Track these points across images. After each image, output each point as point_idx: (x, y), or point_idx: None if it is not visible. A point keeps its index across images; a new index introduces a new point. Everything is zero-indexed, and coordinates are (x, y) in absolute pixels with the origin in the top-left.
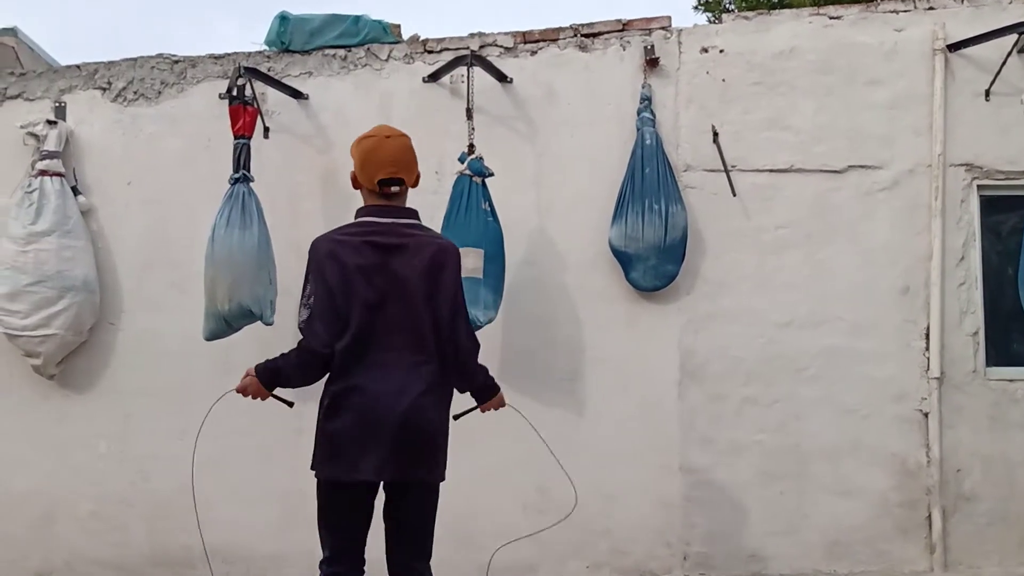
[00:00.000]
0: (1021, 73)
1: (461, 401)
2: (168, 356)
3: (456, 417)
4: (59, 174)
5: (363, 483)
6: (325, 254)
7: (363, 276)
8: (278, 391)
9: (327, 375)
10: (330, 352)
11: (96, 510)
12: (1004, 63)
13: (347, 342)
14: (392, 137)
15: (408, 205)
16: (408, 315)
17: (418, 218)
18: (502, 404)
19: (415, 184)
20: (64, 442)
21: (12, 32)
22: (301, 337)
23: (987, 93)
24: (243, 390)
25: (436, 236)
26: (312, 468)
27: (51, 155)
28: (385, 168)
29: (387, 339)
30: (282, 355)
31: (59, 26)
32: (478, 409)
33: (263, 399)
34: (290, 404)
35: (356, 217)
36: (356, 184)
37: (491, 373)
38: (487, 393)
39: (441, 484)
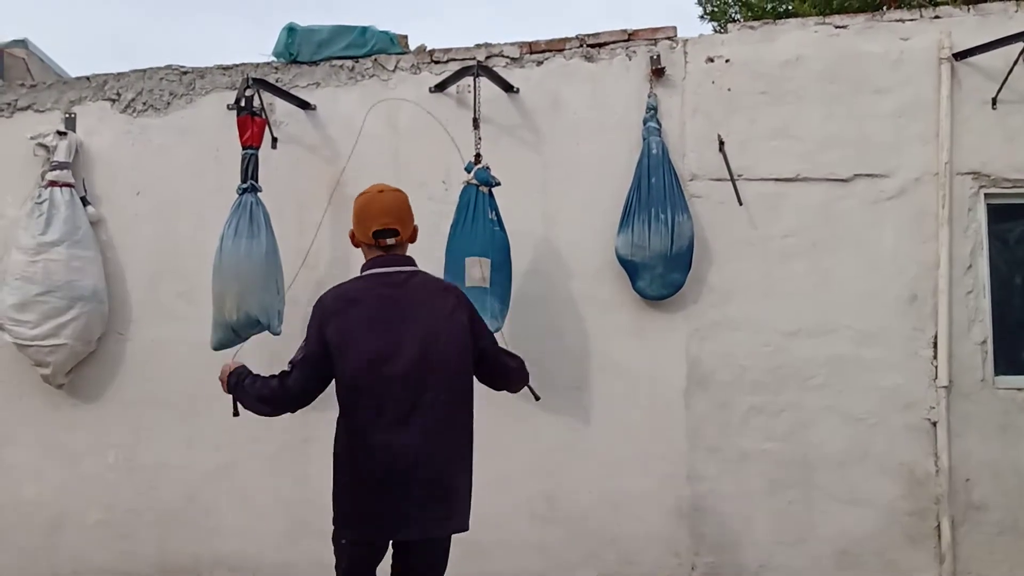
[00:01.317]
0: None
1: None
2: (176, 366)
3: (537, 398)
4: (69, 185)
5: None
6: (331, 312)
7: (374, 330)
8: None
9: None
10: (301, 401)
11: (104, 519)
12: (1011, 71)
13: (353, 397)
14: (385, 192)
15: (411, 249)
16: (431, 362)
17: (416, 265)
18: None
19: (413, 238)
20: (73, 451)
21: (23, 44)
22: (279, 375)
23: (994, 101)
24: (222, 375)
25: (437, 280)
26: (337, 527)
27: (61, 166)
28: (379, 220)
29: (403, 392)
30: (253, 380)
31: (68, 37)
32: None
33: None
34: (236, 413)
35: (361, 272)
36: (355, 242)
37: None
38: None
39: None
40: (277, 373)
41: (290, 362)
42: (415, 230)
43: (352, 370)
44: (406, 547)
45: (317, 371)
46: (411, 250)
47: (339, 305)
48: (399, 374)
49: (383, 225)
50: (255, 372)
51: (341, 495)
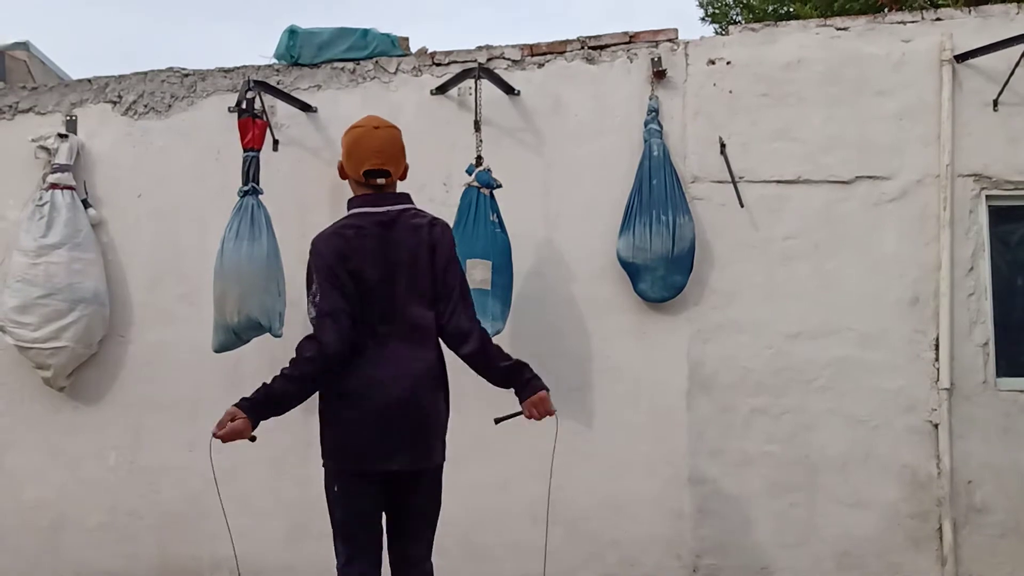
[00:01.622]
0: None
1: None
2: (178, 368)
3: (497, 421)
4: (70, 187)
5: (383, 473)
6: (328, 249)
7: (365, 265)
8: None
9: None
10: (342, 349)
11: (106, 521)
12: (1012, 73)
13: (353, 332)
14: (380, 128)
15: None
16: (408, 300)
17: (411, 200)
18: (548, 410)
19: (403, 177)
20: (74, 454)
21: (24, 46)
22: (301, 346)
23: (995, 103)
24: (229, 436)
25: (428, 216)
26: (327, 459)
27: (62, 168)
28: (371, 159)
29: (389, 327)
30: (267, 384)
31: (69, 40)
32: (522, 415)
33: (243, 438)
34: (253, 439)
35: (348, 209)
36: (343, 174)
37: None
38: (527, 384)
39: (450, 493)
40: (301, 348)
41: (316, 316)
42: (406, 168)
43: (356, 310)
44: (396, 484)
45: (339, 306)
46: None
47: (336, 244)
48: (389, 311)
49: (375, 165)
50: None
51: (338, 431)
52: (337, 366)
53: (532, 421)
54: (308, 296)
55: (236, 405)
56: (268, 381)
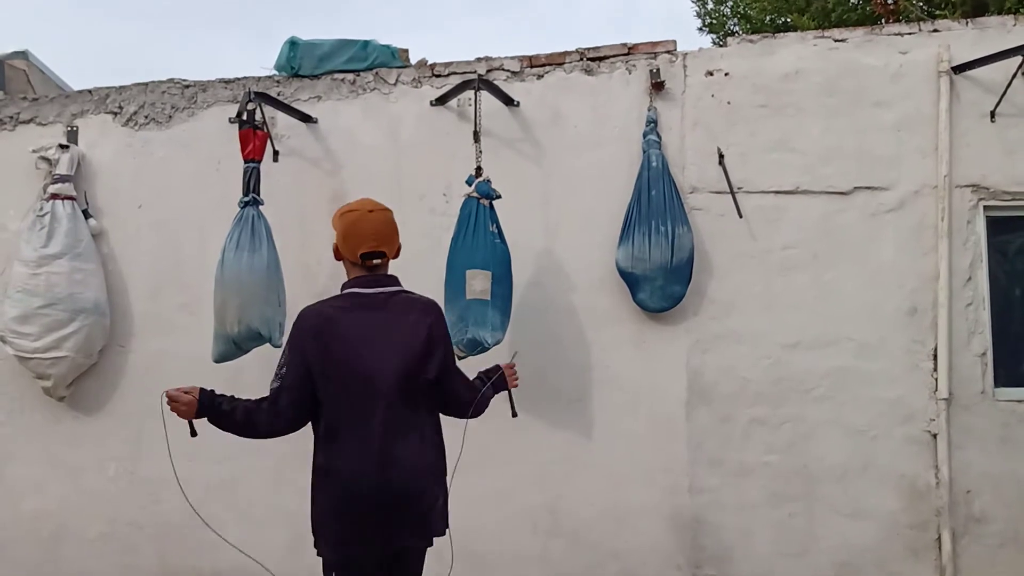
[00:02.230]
0: None
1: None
2: (178, 379)
3: (515, 415)
4: (71, 197)
5: (371, 556)
6: (310, 329)
7: (352, 349)
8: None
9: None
10: (284, 424)
11: (106, 532)
12: (1009, 84)
13: (330, 416)
14: (374, 212)
15: (410, 230)
16: (394, 382)
17: (400, 284)
18: (510, 365)
19: (396, 256)
20: (74, 464)
21: (23, 55)
22: (260, 401)
23: (992, 114)
24: (175, 404)
25: (418, 298)
26: (317, 547)
27: (63, 179)
28: (367, 242)
29: (375, 409)
30: (233, 403)
31: (69, 49)
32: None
33: (181, 418)
34: (194, 434)
35: (342, 290)
36: (338, 255)
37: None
38: (498, 383)
39: (450, 504)
40: (262, 398)
41: (273, 389)
42: (399, 248)
43: (332, 390)
44: (388, 563)
45: (301, 389)
46: (413, 261)
47: (319, 324)
48: (378, 393)
49: (371, 248)
50: (219, 392)
51: (328, 517)
52: (277, 434)
53: (533, 430)
54: (278, 363)
55: (201, 390)
56: (239, 398)
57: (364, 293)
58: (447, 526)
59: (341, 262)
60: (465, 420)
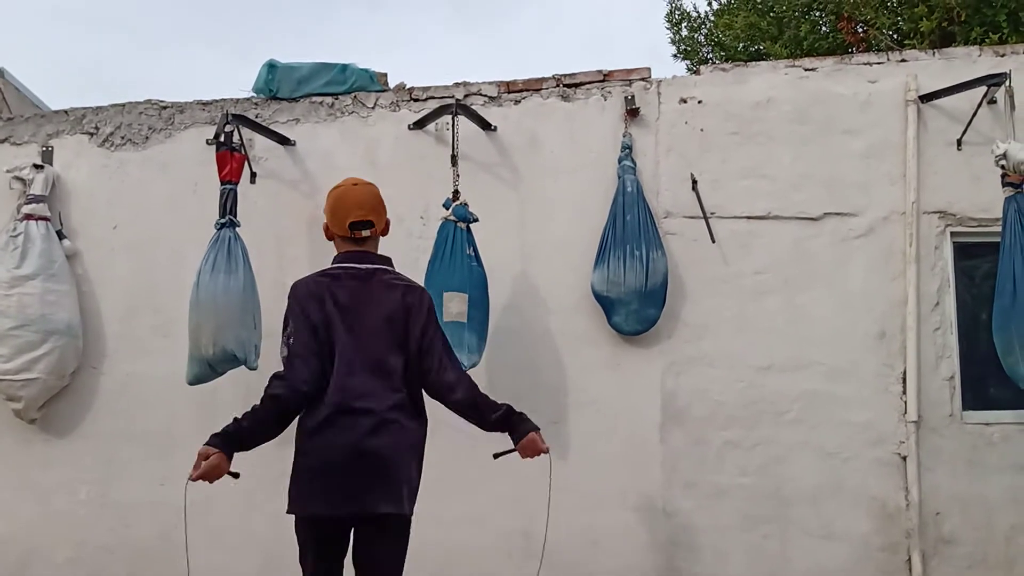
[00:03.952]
0: (991, 123)
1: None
2: (151, 401)
3: (496, 456)
4: (44, 218)
5: (335, 518)
6: (306, 294)
7: (339, 316)
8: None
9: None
10: (308, 390)
11: (75, 557)
12: (975, 113)
13: (321, 373)
14: (359, 184)
15: (386, 253)
16: (379, 355)
17: (391, 264)
18: (540, 449)
19: (385, 231)
20: (44, 487)
21: None
22: (269, 383)
23: (959, 142)
24: (207, 475)
25: (407, 280)
26: (299, 507)
27: (37, 199)
28: (354, 212)
29: (359, 378)
30: (238, 418)
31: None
32: (516, 452)
33: (219, 477)
34: (236, 475)
35: (333, 263)
36: (329, 234)
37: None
38: (517, 428)
39: (425, 527)
40: (269, 386)
41: (287, 356)
42: (387, 223)
43: (327, 353)
44: (359, 535)
45: (312, 350)
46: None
47: (313, 289)
48: (356, 357)
49: (359, 217)
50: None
51: (303, 477)
52: (304, 404)
53: (511, 456)
54: (283, 336)
55: (207, 443)
56: (239, 416)
57: (351, 267)
58: (412, 508)
59: (332, 242)
60: (448, 409)
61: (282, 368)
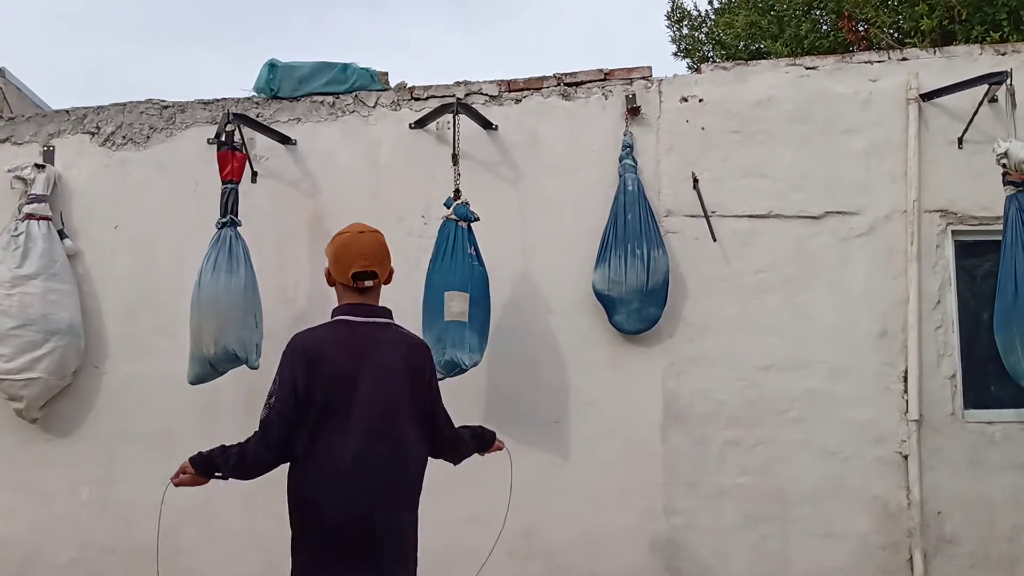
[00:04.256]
0: (992, 122)
1: None
2: (153, 400)
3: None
4: (46, 218)
5: None
6: (301, 358)
7: (338, 379)
8: None
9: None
10: (275, 456)
11: (77, 557)
12: (976, 112)
13: (314, 447)
14: (365, 233)
15: (388, 252)
16: (377, 414)
17: (391, 316)
18: (498, 447)
19: (388, 280)
20: (46, 487)
21: (0, 73)
22: (251, 439)
23: (960, 141)
24: (182, 483)
25: (409, 335)
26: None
27: (38, 199)
28: (358, 262)
29: (356, 443)
30: (224, 450)
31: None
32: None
33: (202, 485)
34: (225, 477)
35: (332, 316)
36: (330, 280)
37: (474, 416)
38: (483, 445)
39: (425, 528)
40: (250, 438)
41: (262, 421)
42: (391, 272)
43: (314, 416)
44: None
45: (290, 420)
46: (392, 283)
47: (308, 351)
48: (361, 427)
49: (363, 267)
50: (210, 449)
51: (305, 549)
52: (269, 469)
53: (512, 455)
54: (269, 392)
55: (190, 459)
56: (228, 446)
57: (354, 321)
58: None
59: (333, 288)
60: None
61: (260, 426)
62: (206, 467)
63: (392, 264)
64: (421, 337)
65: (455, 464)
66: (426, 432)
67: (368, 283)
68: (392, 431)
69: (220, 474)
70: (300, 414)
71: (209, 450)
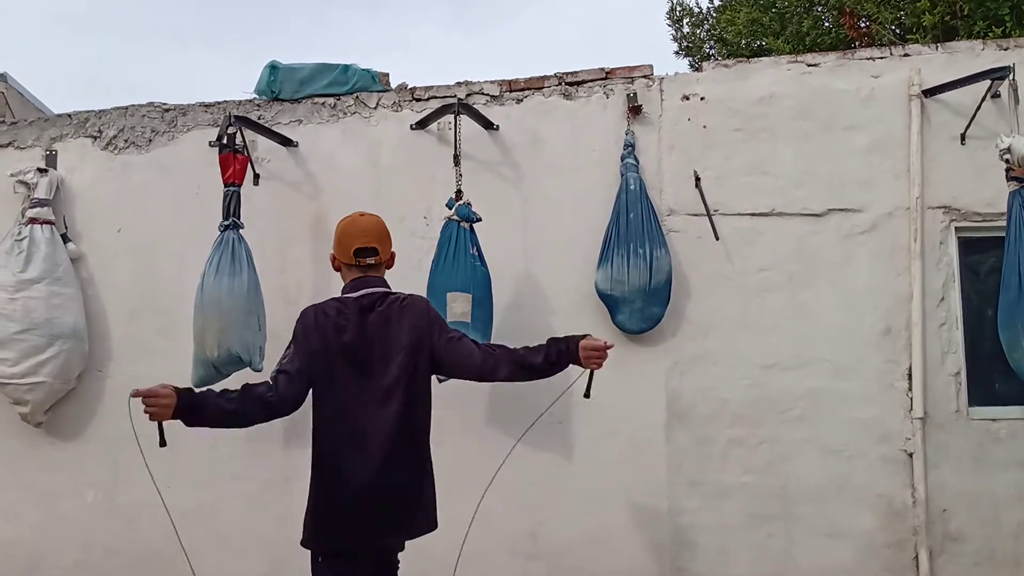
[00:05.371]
0: (995, 117)
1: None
2: None
3: (587, 395)
4: (49, 222)
5: (359, 552)
6: (311, 323)
7: (344, 348)
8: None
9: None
10: (277, 404)
11: (82, 559)
12: (979, 108)
13: (327, 413)
14: (365, 215)
15: (392, 252)
16: (388, 381)
17: (387, 285)
18: (600, 349)
19: (390, 263)
20: (51, 491)
21: (2, 78)
22: (263, 385)
23: (963, 137)
24: (149, 402)
25: (406, 295)
26: (306, 542)
27: (41, 203)
28: (359, 239)
29: (369, 408)
30: (214, 392)
31: (46, 71)
32: (589, 372)
33: (154, 420)
34: (163, 444)
35: (341, 294)
36: (336, 264)
37: (479, 415)
38: (567, 351)
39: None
40: (260, 382)
41: (277, 371)
42: (393, 255)
43: (328, 384)
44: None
45: (300, 374)
46: (394, 284)
47: (319, 320)
48: (369, 390)
49: (363, 244)
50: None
51: (318, 511)
52: (283, 414)
53: (514, 453)
54: (283, 351)
55: (175, 389)
56: (218, 392)
57: (357, 296)
58: (435, 525)
59: (339, 273)
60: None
61: (271, 376)
62: (189, 403)
63: (394, 260)
64: (420, 295)
65: (544, 375)
66: (449, 368)
67: (370, 260)
68: (400, 399)
69: (201, 416)
70: (311, 374)
71: (203, 393)
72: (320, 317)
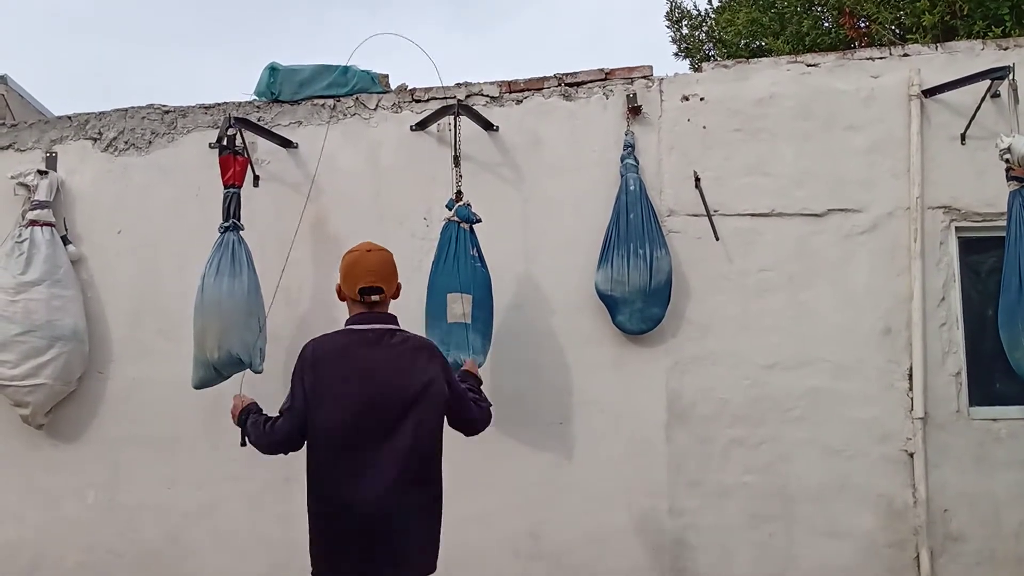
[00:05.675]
0: (995, 117)
1: None
2: (157, 405)
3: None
4: (49, 224)
5: None
6: (310, 361)
7: (345, 384)
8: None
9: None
10: (273, 445)
11: (84, 560)
12: (978, 108)
13: (325, 449)
14: (373, 251)
15: (391, 254)
16: (392, 419)
17: (397, 323)
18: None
19: (396, 294)
20: (52, 492)
21: (2, 80)
22: (276, 422)
23: (963, 137)
24: (234, 408)
25: (414, 336)
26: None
27: (41, 205)
28: (365, 278)
29: (369, 445)
30: (255, 420)
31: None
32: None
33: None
34: (243, 444)
35: (346, 325)
36: (341, 296)
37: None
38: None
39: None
40: (273, 416)
41: (280, 409)
42: (398, 288)
43: (325, 423)
44: None
45: (300, 421)
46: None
47: (318, 357)
48: (369, 428)
49: (369, 283)
50: (262, 412)
51: (318, 547)
52: (280, 452)
53: (515, 454)
54: (287, 396)
55: (245, 407)
56: (259, 416)
57: (361, 329)
58: (433, 568)
59: (344, 303)
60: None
61: (279, 413)
62: (242, 425)
63: (396, 268)
64: (430, 340)
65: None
66: (439, 424)
67: (374, 298)
68: (400, 437)
69: (247, 436)
70: (306, 412)
71: (253, 413)
72: (318, 351)
